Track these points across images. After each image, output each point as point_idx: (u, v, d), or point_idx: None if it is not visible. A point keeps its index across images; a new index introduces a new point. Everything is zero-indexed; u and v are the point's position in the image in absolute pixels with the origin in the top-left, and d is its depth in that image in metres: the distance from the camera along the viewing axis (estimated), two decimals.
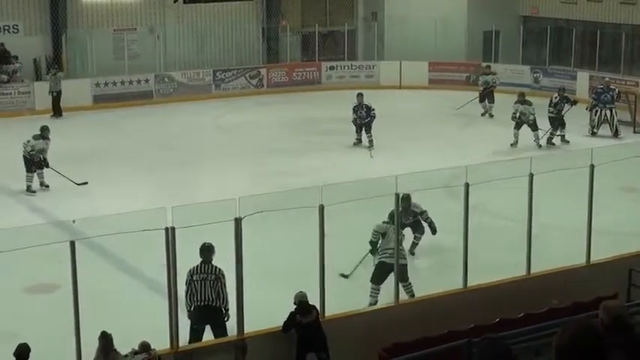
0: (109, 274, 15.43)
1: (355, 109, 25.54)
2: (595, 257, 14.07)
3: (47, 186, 21.53)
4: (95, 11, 33.19)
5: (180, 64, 33.69)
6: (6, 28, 31.86)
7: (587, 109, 27.04)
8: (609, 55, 33.37)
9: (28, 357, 10.55)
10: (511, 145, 25.25)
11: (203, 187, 20.65)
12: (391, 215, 14.16)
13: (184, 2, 33.99)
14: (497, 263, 14.67)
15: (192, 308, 12.52)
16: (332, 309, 12.40)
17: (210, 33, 34.70)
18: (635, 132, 26.97)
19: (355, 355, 11.81)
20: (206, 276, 12.47)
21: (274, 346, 12.04)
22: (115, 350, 10.77)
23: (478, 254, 13.55)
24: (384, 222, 14.48)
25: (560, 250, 15.37)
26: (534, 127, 25.28)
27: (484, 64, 31.97)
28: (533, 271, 13.66)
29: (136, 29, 33.82)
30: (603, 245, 14.34)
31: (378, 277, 14.26)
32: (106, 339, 10.70)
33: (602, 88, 27.46)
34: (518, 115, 25.20)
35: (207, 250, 12.66)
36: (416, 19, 35.57)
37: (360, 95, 25.85)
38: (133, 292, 14.81)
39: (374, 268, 14.44)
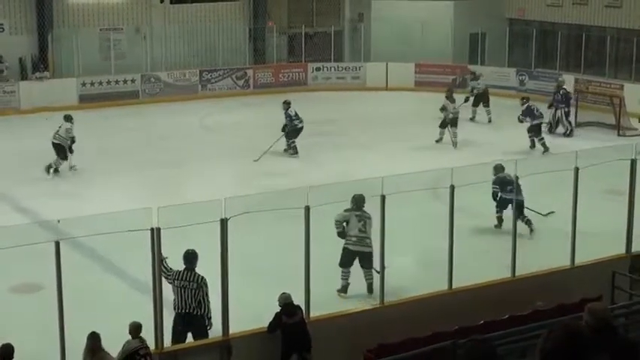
0: (95, 274, 15.40)
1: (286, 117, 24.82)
2: (579, 259, 14.13)
3: (50, 172, 22.28)
4: (81, 11, 33.10)
5: (167, 65, 33.64)
6: None
7: (548, 107, 27.62)
8: (594, 58, 33.50)
9: (12, 357, 10.52)
10: (435, 141, 25.92)
11: (189, 188, 20.58)
12: (353, 201, 14.76)
13: (171, 2, 33.94)
14: (482, 265, 14.69)
15: (174, 313, 12.48)
16: (317, 309, 12.42)
17: (197, 33, 34.68)
18: (619, 135, 27.05)
19: (341, 356, 11.82)
20: (187, 284, 12.38)
21: (259, 347, 12.04)
22: (103, 350, 10.76)
23: (463, 256, 13.58)
24: (345, 210, 14.85)
25: (544, 252, 15.40)
26: (449, 124, 25.76)
27: (471, 71, 32.05)
28: (517, 273, 13.70)
29: (122, 29, 33.75)
30: (587, 247, 14.39)
31: (346, 262, 14.94)
32: (93, 339, 10.69)
33: (556, 88, 28.14)
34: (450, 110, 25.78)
35: (190, 257, 12.57)
36: (402, 20, 35.58)
37: (284, 103, 25.05)
38: (118, 292, 14.77)
39: (341, 254, 14.90)
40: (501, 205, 18.20)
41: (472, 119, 29.31)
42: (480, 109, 29.40)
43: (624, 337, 8.23)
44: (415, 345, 11.14)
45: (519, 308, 12.25)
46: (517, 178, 15.78)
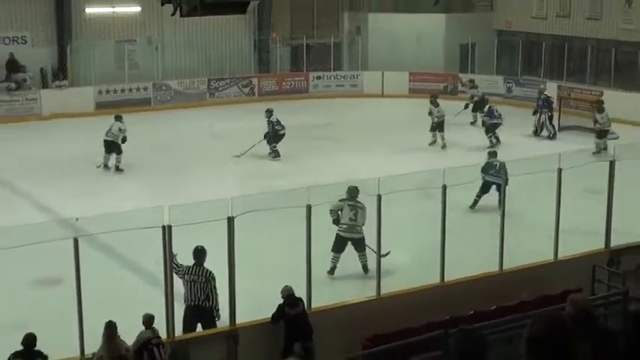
0: (110, 268, 15.39)
1: (279, 124, 24.77)
2: (562, 254, 14.13)
3: (122, 170, 23.01)
4: (98, 24, 33.12)
5: (177, 74, 33.66)
6: (15, 39, 31.80)
7: (532, 113, 27.99)
8: (576, 67, 33.55)
9: (35, 345, 10.55)
10: (429, 144, 26.00)
11: (197, 189, 20.56)
12: (348, 192, 15.39)
13: (181, 16, 33.67)
14: (472, 259, 14.68)
15: (184, 305, 12.49)
16: (318, 301, 12.42)
17: (205, 44, 34.68)
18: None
19: (340, 344, 11.81)
20: (196, 278, 12.42)
21: (264, 336, 12.05)
22: (119, 337, 10.79)
23: (455, 251, 13.56)
24: (340, 200, 15.33)
25: (530, 247, 15.38)
26: (437, 128, 25.97)
27: (469, 80, 32.03)
28: (505, 266, 13.70)
29: (135, 40, 33.75)
30: (569, 243, 14.39)
31: (337, 247, 15.38)
32: (110, 327, 10.72)
33: (538, 94, 28.45)
34: (436, 114, 25.96)
35: (199, 253, 12.60)
36: (397, 32, 35.63)
37: (266, 111, 25.00)
38: (132, 286, 14.77)
39: (334, 240, 15.34)
40: (483, 188, 19.17)
41: (473, 124, 29.32)
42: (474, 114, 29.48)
43: (604, 327, 8.24)
44: (409, 334, 11.16)
45: (506, 299, 12.27)
46: (504, 166, 17.13)
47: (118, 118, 23.62)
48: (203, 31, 34.40)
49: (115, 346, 10.72)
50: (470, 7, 37.99)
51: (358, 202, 15.32)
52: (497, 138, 26.08)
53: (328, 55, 36.17)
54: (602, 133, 25.46)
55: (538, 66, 34.36)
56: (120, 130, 23.21)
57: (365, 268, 15.35)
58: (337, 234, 15.37)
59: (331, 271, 15.43)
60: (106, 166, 23.09)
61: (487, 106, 26.91)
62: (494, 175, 18.84)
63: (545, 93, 28.41)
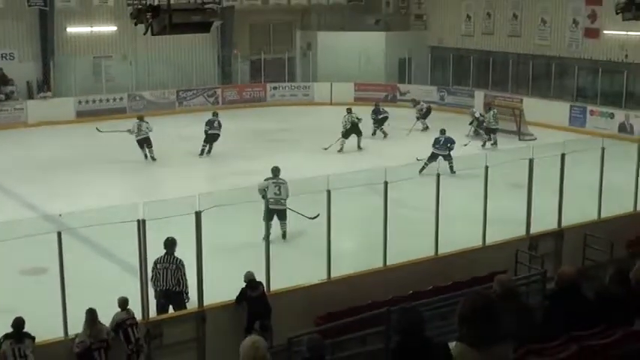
0: (91, 258, 15.21)
1: (208, 123, 24.99)
2: (489, 240, 14.23)
3: (155, 159, 23.78)
4: (78, 41, 32.80)
5: (149, 85, 33.41)
6: (4, 55, 31.42)
7: (469, 123, 28.15)
8: (500, 78, 33.84)
9: (24, 327, 10.38)
10: (337, 151, 25.54)
11: (169, 186, 20.45)
12: (272, 171, 16.55)
13: (152, 34, 33.46)
14: (410, 246, 14.71)
15: (157, 291, 12.38)
16: (276, 284, 12.37)
17: (174, 59, 34.43)
18: (519, 139, 27.34)
19: (296, 322, 11.79)
20: (168, 265, 12.35)
21: (229, 316, 11.98)
22: (100, 322, 10.67)
23: (396, 238, 13.58)
24: (265, 179, 16.30)
25: (461, 235, 15.47)
26: (344, 134, 25.78)
27: (410, 99, 31.88)
28: (440, 252, 13.76)
29: (112, 56, 33.45)
30: (496, 231, 14.49)
31: (267, 217, 14.94)
32: (91, 313, 10.62)
33: (471, 116, 28.63)
34: (343, 123, 25.91)
35: (170, 243, 12.54)
36: (343, 48, 35.70)
37: (213, 113, 25.45)
38: (110, 274, 14.60)
39: (264, 211, 15.11)
40: (431, 157, 21.07)
41: (424, 130, 29.08)
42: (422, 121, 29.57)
43: (525, 303, 8.33)
44: (356, 312, 11.15)
45: (441, 281, 12.31)
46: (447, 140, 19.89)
47: (141, 118, 24.20)
48: (172, 47, 34.14)
49: (98, 331, 10.61)
50: (407, 26, 38.19)
51: (280, 179, 16.17)
52: (384, 132, 27.44)
53: (283, 69, 36.14)
54: (489, 130, 26.24)
55: (467, 77, 34.61)
56: (147, 128, 23.74)
57: (284, 235, 16.26)
58: (266, 206, 15.41)
59: (267, 237, 15.36)
60: (147, 158, 23.69)
61: (375, 106, 27.96)
62: (438, 148, 21.17)
63: (474, 113, 28.54)
